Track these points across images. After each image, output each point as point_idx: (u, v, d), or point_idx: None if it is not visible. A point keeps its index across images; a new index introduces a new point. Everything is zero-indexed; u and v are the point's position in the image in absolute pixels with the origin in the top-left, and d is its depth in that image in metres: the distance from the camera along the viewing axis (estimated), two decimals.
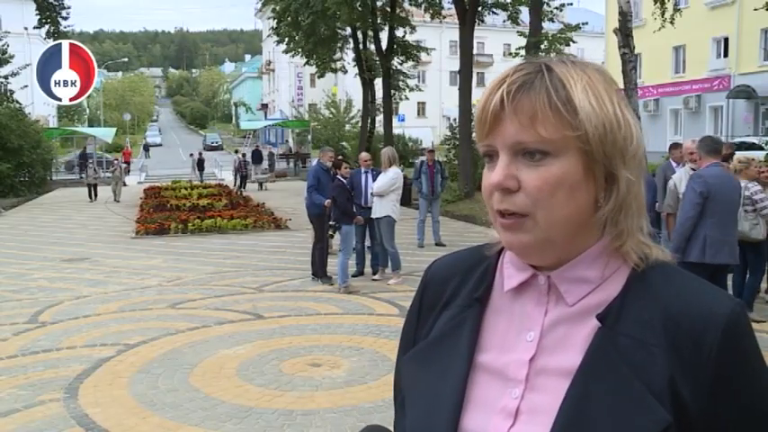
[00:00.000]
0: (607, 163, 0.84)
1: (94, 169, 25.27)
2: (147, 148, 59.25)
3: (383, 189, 9.04)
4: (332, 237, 9.26)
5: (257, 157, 32.82)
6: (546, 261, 0.87)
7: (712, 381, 0.80)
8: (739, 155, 7.91)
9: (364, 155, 10.10)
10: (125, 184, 30.77)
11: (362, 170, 9.64)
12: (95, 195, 23.79)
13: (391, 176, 9.13)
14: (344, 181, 8.99)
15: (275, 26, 26.65)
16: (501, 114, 0.84)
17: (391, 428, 1.04)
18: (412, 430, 0.92)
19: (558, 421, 0.81)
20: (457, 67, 20.40)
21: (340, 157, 9.76)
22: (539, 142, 0.82)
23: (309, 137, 40.02)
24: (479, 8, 20.87)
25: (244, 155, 30.65)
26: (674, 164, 8.85)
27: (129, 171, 34.88)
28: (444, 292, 0.99)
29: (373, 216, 9.15)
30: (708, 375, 0.79)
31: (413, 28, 25.44)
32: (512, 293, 0.92)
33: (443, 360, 0.93)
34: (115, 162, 27.14)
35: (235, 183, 27.68)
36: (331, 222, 8.76)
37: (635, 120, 0.87)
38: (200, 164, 32.70)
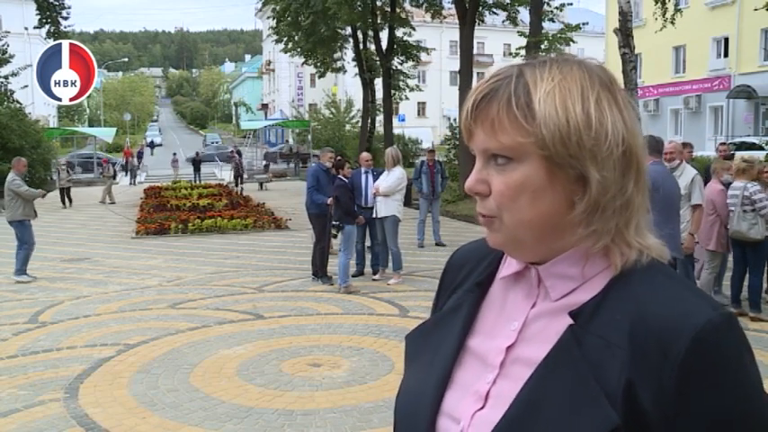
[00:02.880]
0: (575, 165, 0.82)
1: (68, 171, 22.62)
2: (152, 146, 59.18)
3: (391, 189, 9.03)
4: (335, 237, 9.26)
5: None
6: (525, 258, 0.90)
7: (675, 391, 0.76)
8: (743, 155, 7.92)
9: (365, 155, 10.10)
10: (134, 184, 30.79)
11: (363, 170, 9.64)
12: (69, 201, 21.98)
13: (398, 176, 9.13)
14: (346, 181, 8.98)
15: (275, 26, 26.65)
16: (468, 124, 0.88)
17: None
18: (401, 405, 0.96)
19: (510, 409, 0.82)
20: (457, 67, 20.40)
21: (339, 158, 9.75)
22: (500, 149, 0.84)
23: (309, 137, 40.03)
24: (480, 8, 20.86)
25: (239, 156, 31.41)
26: None
27: (131, 171, 34.87)
28: (458, 276, 1.04)
29: (378, 215, 9.15)
30: (671, 383, 0.76)
31: (413, 29, 25.45)
32: (508, 282, 0.94)
33: (438, 340, 0.97)
34: (105, 163, 26.86)
35: (235, 183, 28.11)
36: (334, 222, 8.76)
37: (623, 118, 0.84)
38: (195, 164, 32.80)
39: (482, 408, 0.87)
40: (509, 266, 0.94)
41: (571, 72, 0.84)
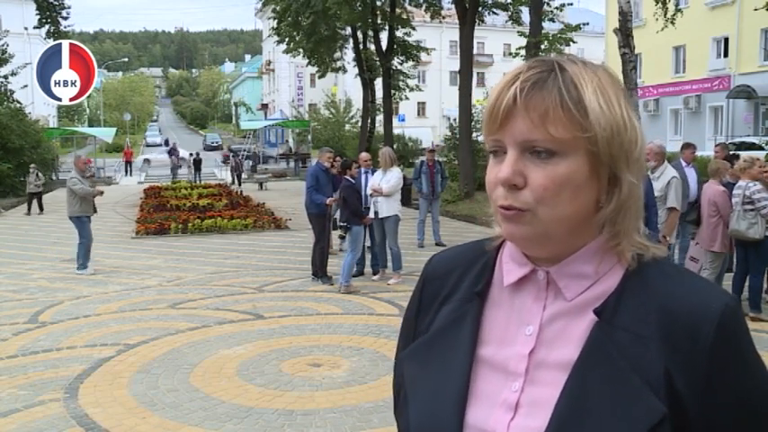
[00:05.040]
0: (612, 165, 0.85)
1: (37, 175, 20.33)
2: (167, 143, 56.98)
3: (394, 189, 9.02)
4: (343, 238, 9.25)
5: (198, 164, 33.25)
6: (544, 253, 0.89)
7: (707, 373, 0.81)
8: (744, 154, 7.94)
9: (364, 155, 10.09)
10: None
11: (362, 170, 9.62)
12: (40, 207, 19.99)
13: (398, 176, 9.13)
14: (353, 182, 8.97)
15: (276, 26, 26.66)
16: (513, 111, 0.84)
17: None
18: (416, 424, 0.93)
19: (556, 413, 0.82)
20: (457, 67, 20.40)
21: (345, 158, 9.76)
22: (548, 141, 0.83)
23: (309, 137, 40.01)
24: (479, 8, 20.86)
25: (235, 155, 31.81)
26: (683, 163, 8.87)
27: (172, 170, 34.83)
28: (444, 286, 1.00)
29: (379, 215, 9.13)
30: (702, 368, 0.81)
31: (413, 29, 25.45)
32: (511, 288, 0.93)
33: (445, 354, 0.94)
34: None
35: (233, 182, 28.27)
36: (341, 224, 8.75)
37: (639, 124, 0.88)
38: (196, 164, 32.75)
39: (513, 417, 0.86)
40: (510, 273, 0.93)
41: (602, 75, 0.87)
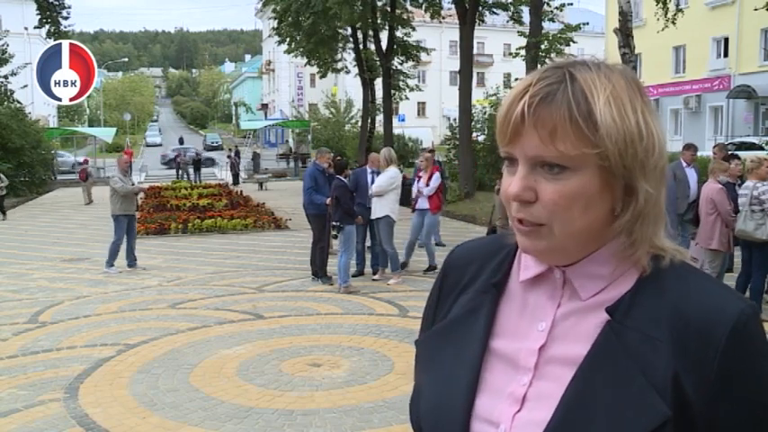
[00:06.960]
0: (626, 176, 0.83)
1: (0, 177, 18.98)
2: (181, 141, 56.48)
3: (382, 189, 9.00)
4: (335, 237, 9.24)
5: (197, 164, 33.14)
6: (558, 262, 0.89)
7: (717, 378, 0.80)
8: (745, 155, 7.93)
9: (374, 155, 10.04)
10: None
11: (368, 170, 9.59)
12: (3, 213, 18.91)
13: (390, 176, 9.08)
14: (345, 181, 8.97)
15: (276, 26, 26.66)
16: (521, 127, 0.83)
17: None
18: (427, 411, 0.94)
19: (559, 408, 0.82)
20: (457, 67, 20.40)
21: (340, 159, 9.73)
22: (557, 157, 0.82)
23: (309, 137, 40.01)
24: (480, 8, 20.86)
25: (236, 154, 32.15)
26: (683, 164, 8.87)
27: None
28: (463, 276, 1.01)
29: (372, 216, 9.13)
30: (713, 373, 0.80)
31: (413, 29, 25.44)
32: (527, 283, 0.94)
33: (458, 343, 0.95)
34: (84, 163, 26.34)
35: (234, 182, 28.29)
36: (334, 223, 8.76)
37: (659, 128, 0.86)
38: (196, 164, 32.69)
39: (519, 410, 0.87)
40: (527, 269, 0.93)
41: (618, 81, 0.85)
